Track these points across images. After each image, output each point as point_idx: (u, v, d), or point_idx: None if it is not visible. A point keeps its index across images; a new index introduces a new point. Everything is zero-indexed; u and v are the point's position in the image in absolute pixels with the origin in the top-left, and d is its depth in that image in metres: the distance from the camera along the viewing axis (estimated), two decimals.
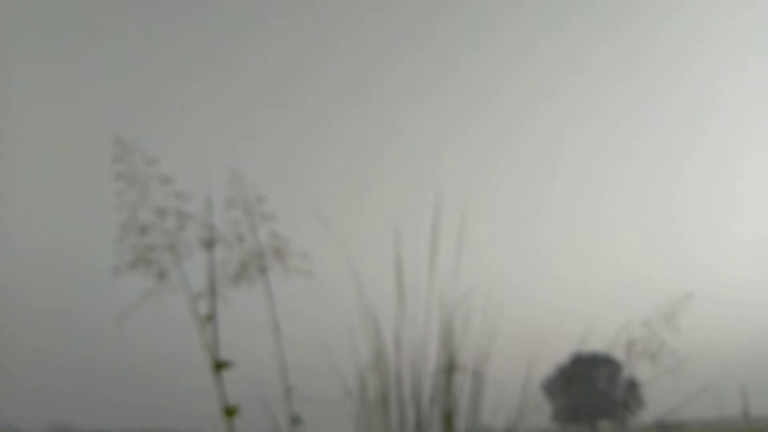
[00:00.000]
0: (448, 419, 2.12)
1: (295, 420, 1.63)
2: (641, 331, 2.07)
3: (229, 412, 1.39)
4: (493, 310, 2.20)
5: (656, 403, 2.32)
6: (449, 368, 2.17)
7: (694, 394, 2.10)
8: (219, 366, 1.38)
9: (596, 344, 2.20)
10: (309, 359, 2.04)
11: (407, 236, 2.24)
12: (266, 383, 1.80)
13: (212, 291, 1.40)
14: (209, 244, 1.45)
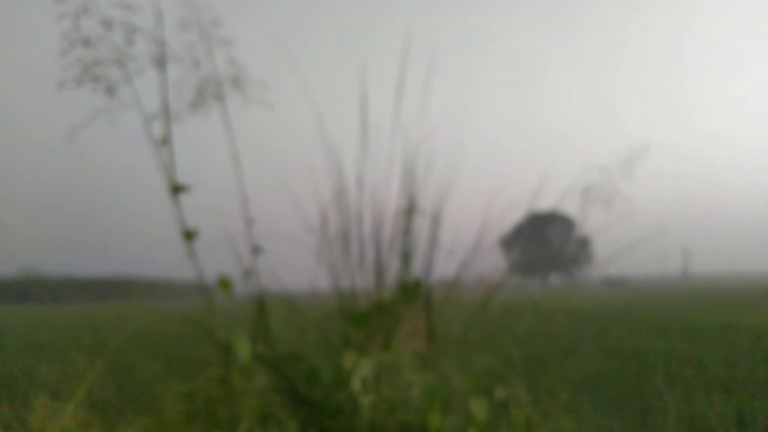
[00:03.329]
0: (406, 258, 2.19)
1: (257, 250, 1.65)
2: (598, 178, 2.11)
3: (188, 235, 1.39)
4: (455, 153, 2.21)
5: (604, 260, 2.42)
6: (409, 210, 2.21)
7: (637, 241, 2.19)
8: (176, 189, 1.35)
9: (554, 190, 2.25)
10: (270, 193, 2.04)
11: (373, 75, 2.17)
12: (227, 217, 1.80)
13: (166, 112, 1.34)
14: (161, 62, 1.36)
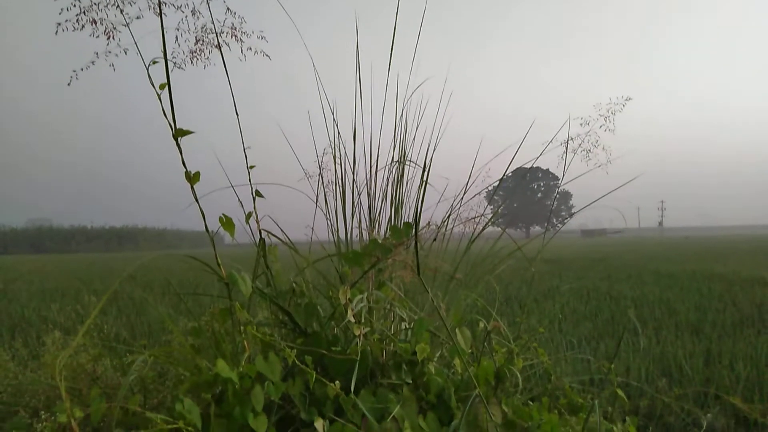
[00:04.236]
0: (396, 207, 2.20)
1: (257, 194, 1.65)
2: (580, 130, 2.10)
3: (191, 178, 1.38)
4: (445, 106, 2.19)
5: (584, 212, 2.44)
6: (401, 160, 2.21)
7: (615, 190, 2.20)
8: (180, 132, 1.34)
9: (539, 144, 2.24)
10: (268, 143, 2.03)
11: (368, 26, 2.12)
12: (228, 165, 1.80)
13: (165, 56, 1.31)
14: (159, 5, 1.32)
